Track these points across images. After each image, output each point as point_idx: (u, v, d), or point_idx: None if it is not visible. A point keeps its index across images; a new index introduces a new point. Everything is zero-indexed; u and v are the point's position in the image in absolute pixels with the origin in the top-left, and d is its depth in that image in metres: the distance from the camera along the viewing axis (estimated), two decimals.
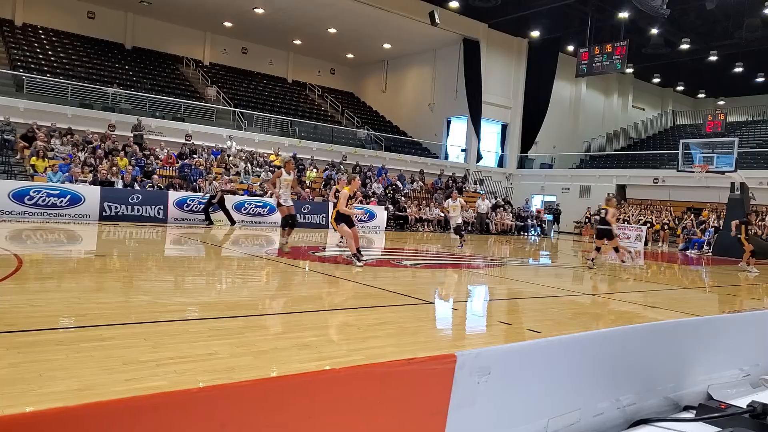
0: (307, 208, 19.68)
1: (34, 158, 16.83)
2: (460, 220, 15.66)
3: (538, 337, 5.29)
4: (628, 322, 6.61)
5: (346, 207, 9.40)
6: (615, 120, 38.01)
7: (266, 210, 18.97)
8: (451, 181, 28.34)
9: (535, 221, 27.22)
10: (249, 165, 22.02)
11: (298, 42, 32.32)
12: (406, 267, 10.31)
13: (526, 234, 26.11)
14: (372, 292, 7.43)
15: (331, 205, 14.77)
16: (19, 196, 14.53)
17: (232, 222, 17.65)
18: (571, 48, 31.54)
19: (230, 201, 18.27)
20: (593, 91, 36.86)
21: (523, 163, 33.07)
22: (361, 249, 9.70)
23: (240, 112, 25.96)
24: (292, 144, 25.57)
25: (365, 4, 25.62)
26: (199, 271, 8.58)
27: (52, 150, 17.70)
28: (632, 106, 39.64)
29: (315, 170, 24.19)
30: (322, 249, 12.50)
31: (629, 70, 34.88)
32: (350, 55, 34.76)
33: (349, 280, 8.12)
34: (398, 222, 23.02)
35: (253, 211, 18.85)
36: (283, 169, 11.18)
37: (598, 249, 12.59)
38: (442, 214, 24.00)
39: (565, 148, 33.72)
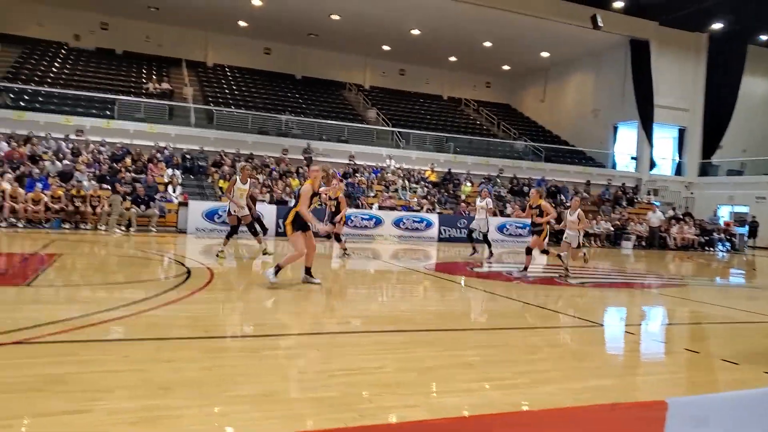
0: (462, 222, 19.62)
1: (221, 181, 18.90)
2: (483, 226, 13.53)
3: (736, 369, 4.67)
4: None
5: (307, 208, 7.44)
6: None
7: (423, 225, 19.28)
8: (620, 192, 26.43)
9: (722, 235, 24.25)
10: (406, 182, 22.59)
11: (453, 59, 32.62)
12: (572, 285, 9.77)
13: (711, 249, 23.37)
14: (535, 311, 7.15)
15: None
16: (210, 215, 16.42)
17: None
18: (765, 38, 27.88)
19: (391, 216, 18.87)
20: None
21: (705, 170, 29.75)
22: (311, 271, 7.90)
23: (398, 131, 26.80)
24: (448, 159, 25.75)
25: (521, 15, 25.11)
26: (361, 285, 8.93)
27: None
28: None
29: (470, 184, 24.08)
30: (480, 264, 12.34)
31: None
32: (506, 67, 34.25)
33: (511, 298, 7.90)
34: (560, 237, 21.93)
35: (411, 226, 19.25)
36: (237, 177, 10.82)
37: None
38: (612, 228, 22.44)
39: (758, 152, 29.70)
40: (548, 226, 10.80)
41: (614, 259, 16.78)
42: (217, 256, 10.24)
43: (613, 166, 29.80)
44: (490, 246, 13.66)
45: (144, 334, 4.79)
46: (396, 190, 21.74)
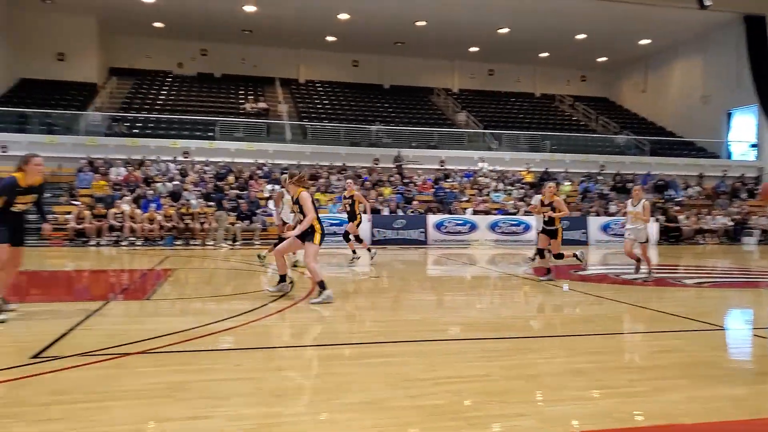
0: (566, 224, 18.88)
1: (318, 193, 19.47)
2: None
3: None
4: None
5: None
6: None
7: (521, 228, 18.77)
8: (739, 183, 24.36)
9: None
10: (501, 184, 22.13)
11: (544, 55, 31.66)
12: (688, 286, 9.09)
13: None
14: (649, 314, 6.70)
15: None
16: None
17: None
18: None
19: (486, 221, 18.56)
20: None
21: None
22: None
23: (489, 132, 26.35)
24: (544, 158, 24.95)
25: (617, 2, 23.89)
26: (462, 291, 8.81)
27: (330, 185, 20.29)
28: None
29: (569, 183, 23.17)
30: (584, 268, 11.80)
31: None
32: (602, 59, 32.72)
33: (620, 301, 7.46)
34: (672, 235, 20.58)
35: (507, 230, 18.82)
36: (284, 190, 11.03)
37: None
38: (730, 223, 20.72)
39: None
40: (560, 226, 9.63)
41: (735, 256, 15.46)
42: (259, 257, 11.37)
43: (728, 156, 27.55)
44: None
45: (254, 343, 4.98)
46: (488, 194, 21.37)
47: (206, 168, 20.35)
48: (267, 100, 27.42)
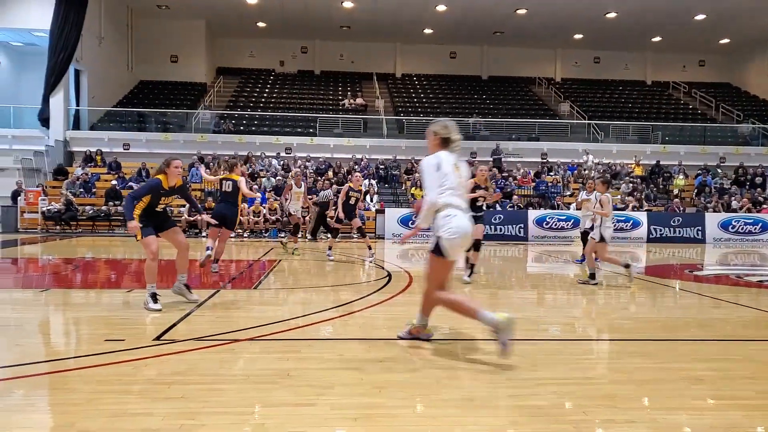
0: (677, 220, 17.68)
1: (413, 188, 19.53)
2: (588, 223, 10.38)
3: None
4: None
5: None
6: None
7: (629, 224, 17.79)
8: None
9: None
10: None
11: (657, 39, 29.69)
12: None
13: None
14: None
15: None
16: (404, 221, 17.05)
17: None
18: None
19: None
20: None
21: None
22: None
23: (595, 123, 25.15)
24: (655, 150, 23.46)
25: None
26: (564, 289, 8.47)
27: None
28: None
29: (684, 177, 21.62)
30: (700, 267, 10.97)
31: None
32: (724, 41, 30.13)
33: (742, 305, 6.86)
34: None
35: (615, 226, 17.87)
36: (293, 182, 12.23)
37: None
38: None
39: None
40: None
41: None
42: (290, 251, 11.76)
43: None
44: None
45: (355, 334, 5.08)
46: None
47: (307, 163, 21.03)
48: (364, 96, 27.85)
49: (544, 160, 22.38)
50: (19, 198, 18.27)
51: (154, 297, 5.81)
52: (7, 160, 21.11)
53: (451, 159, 4.51)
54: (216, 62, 30.55)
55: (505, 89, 30.13)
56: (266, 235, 16.68)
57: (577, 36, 29.42)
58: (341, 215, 10.78)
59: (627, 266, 8.15)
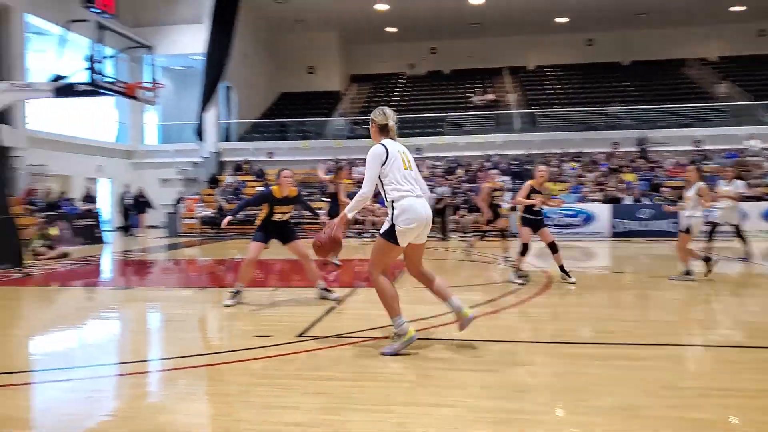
0: None
1: (549, 183, 18.74)
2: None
3: None
4: None
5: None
6: None
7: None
8: None
9: None
10: None
11: None
12: None
13: None
14: None
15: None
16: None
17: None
18: None
19: (757, 208, 15.80)
20: None
21: None
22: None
23: (761, 104, 22.36)
24: None
25: None
26: (726, 290, 7.61)
27: (563, 174, 19.35)
28: None
29: None
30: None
31: None
32: None
33: None
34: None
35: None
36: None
37: None
38: None
39: None
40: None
41: None
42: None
43: None
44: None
45: (492, 335, 4.95)
46: (764, 176, 18.16)
47: (437, 163, 21.06)
48: (495, 91, 27.34)
49: (698, 148, 20.36)
50: (180, 205, 20.32)
51: (234, 294, 6.20)
52: (171, 171, 23.61)
53: (396, 146, 4.40)
54: (349, 70, 31.70)
55: (651, 74, 27.82)
56: None
57: (736, 9, 26.40)
58: (489, 215, 10.22)
59: (708, 260, 7.69)
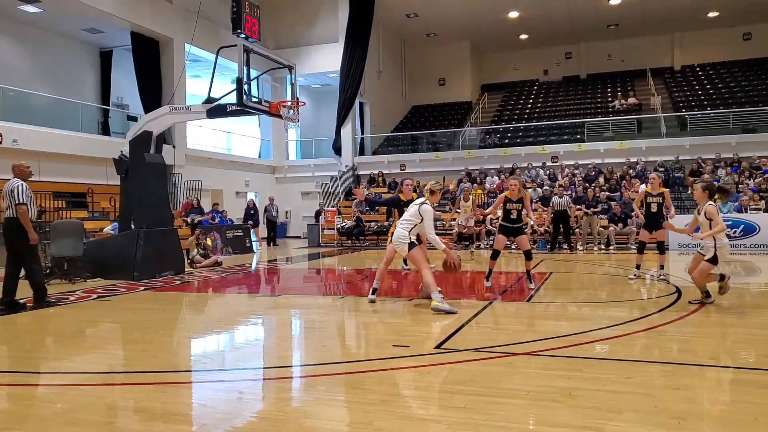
0: None
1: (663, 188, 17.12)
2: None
3: None
4: None
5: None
6: None
7: None
8: None
9: None
10: None
11: None
12: None
13: None
14: None
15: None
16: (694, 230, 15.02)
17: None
18: None
19: None
20: None
21: None
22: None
23: None
24: None
25: None
26: None
27: (718, 180, 17.55)
28: None
29: None
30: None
31: None
32: None
33: None
34: None
35: None
36: (462, 197, 13.18)
37: None
38: None
39: None
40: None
41: None
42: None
43: None
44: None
45: (642, 355, 4.60)
46: None
47: (575, 171, 20.15)
48: (637, 95, 25.65)
49: None
50: (320, 217, 21.35)
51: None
52: (311, 185, 24.98)
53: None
54: (480, 79, 31.47)
55: None
56: (534, 246, 16.39)
57: None
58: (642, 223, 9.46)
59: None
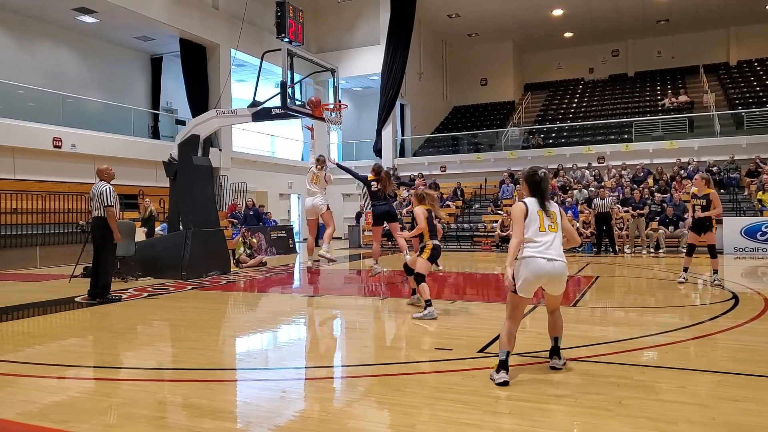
0: None
1: (760, 193, 16.40)
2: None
3: None
4: None
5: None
6: None
7: None
8: None
9: None
10: None
11: None
12: None
13: None
14: None
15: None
16: (750, 233, 14.44)
17: None
18: None
19: None
20: None
21: None
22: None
23: None
24: None
25: None
26: None
27: None
28: None
29: None
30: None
31: None
32: None
33: None
34: None
35: None
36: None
37: None
38: None
39: None
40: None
41: None
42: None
43: None
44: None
45: (696, 364, 4.42)
46: None
47: (623, 172, 19.60)
48: (688, 92, 24.77)
49: None
50: (361, 218, 21.43)
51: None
52: (352, 187, 25.07)
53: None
54: (523, 79, 31.02)
55: None
56: (579, 249, 16.04)
57: None
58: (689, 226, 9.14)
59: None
